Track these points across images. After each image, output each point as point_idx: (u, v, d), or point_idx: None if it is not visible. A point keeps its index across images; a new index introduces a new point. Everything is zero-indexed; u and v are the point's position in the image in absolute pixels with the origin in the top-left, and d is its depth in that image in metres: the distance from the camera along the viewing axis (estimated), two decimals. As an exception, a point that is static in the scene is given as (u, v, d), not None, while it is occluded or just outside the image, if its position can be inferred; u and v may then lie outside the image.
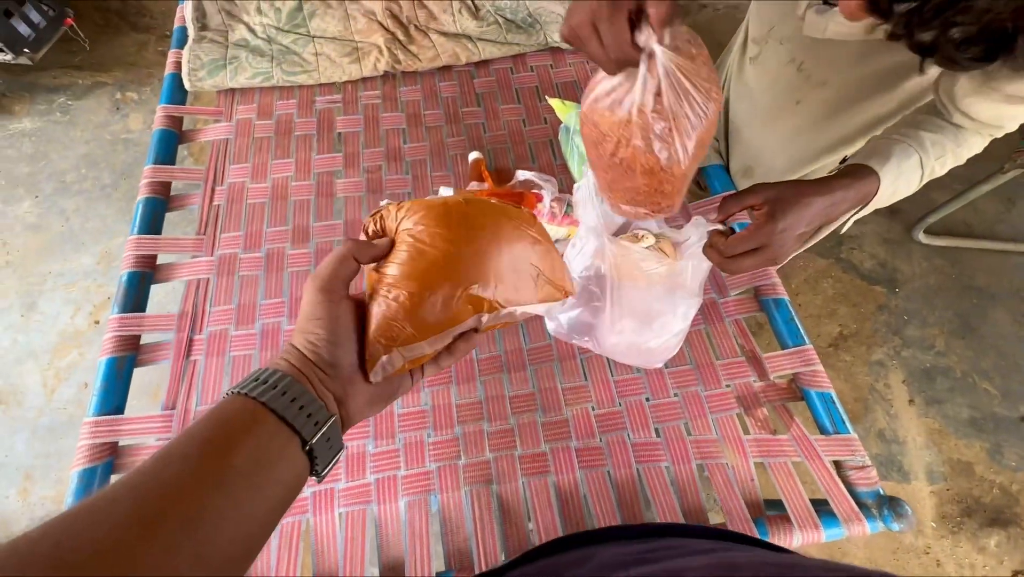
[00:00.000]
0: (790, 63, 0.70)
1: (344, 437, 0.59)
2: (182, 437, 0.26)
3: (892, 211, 1.35)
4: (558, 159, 0.79)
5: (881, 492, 0.57)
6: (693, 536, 0.44)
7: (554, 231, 0.68)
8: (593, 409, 0.62)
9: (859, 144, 0.72)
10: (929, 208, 1.26)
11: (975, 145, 0.54)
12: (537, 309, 0.37)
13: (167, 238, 0.71)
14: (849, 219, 0.57)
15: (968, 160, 0.56)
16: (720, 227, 0.53)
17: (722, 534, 0.46)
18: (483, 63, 0.89)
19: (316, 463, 0.29)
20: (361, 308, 0.33)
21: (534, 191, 0.68)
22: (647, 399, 0.63)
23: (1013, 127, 0.51)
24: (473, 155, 0.75)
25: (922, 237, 1.30)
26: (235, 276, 0.69)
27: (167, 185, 0.76)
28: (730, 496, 0.57)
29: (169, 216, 0.76)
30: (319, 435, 0.29)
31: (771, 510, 0.57)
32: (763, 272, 0.70)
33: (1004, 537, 1.05)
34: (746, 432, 0.61)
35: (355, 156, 0.80)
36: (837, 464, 0.59)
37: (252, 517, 0.25)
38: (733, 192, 0.52)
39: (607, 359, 0.65)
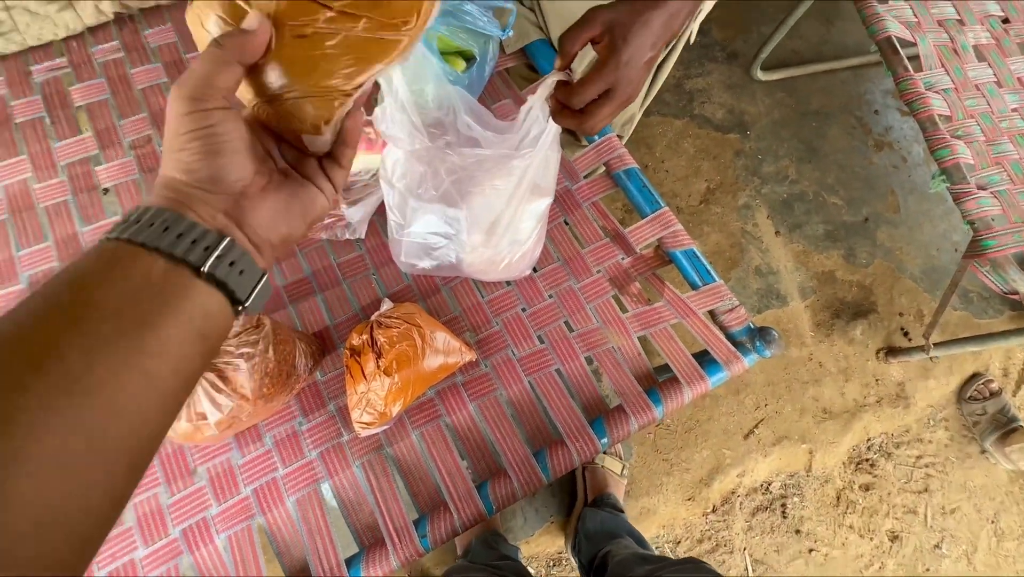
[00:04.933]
0: None
1: (204, 456, 0.51)
2: (15, 307, 0.20)
3: (730, 56, 1.38)
4: (366, 76, 0.68)
5: (752, 326, 0.60)
6: None
7: (377, 160, 0.59)
8: (471, 337, 0.58)
9: None
10: (760, 44, 1.29)
11: None
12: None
13: None
14: (693, 28, 0.52)
15: None
16: (562, 75, 0.45)
17: None
18: (244, -22, 0.72)
19: (232, 292, 0.24)
20: (247, 123, 0.27)
21: (338, 119, 0.57)
22: (523, 309, 0.60)
23: None
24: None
25: (760, 75, 1.35)
26: (-6, 321, 0.54)
27: None
28: (621, 377, 0.57)
29: None
30: (213, 258, 0.23)
31: (661, 376, 0.59)
32: (608, 146, 0.66)
33: (866, 325, 1.22)
34: (624, 311, 0.60)
35: (111, 132, 0.63)
36: (712, 313, 0.61)
37: (146, 367, 0.20)
38: (566, 29, 0.44)
39: (473, 283, 0.60)
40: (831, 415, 1.16)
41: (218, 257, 0.23)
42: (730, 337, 0.59)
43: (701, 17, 0.51)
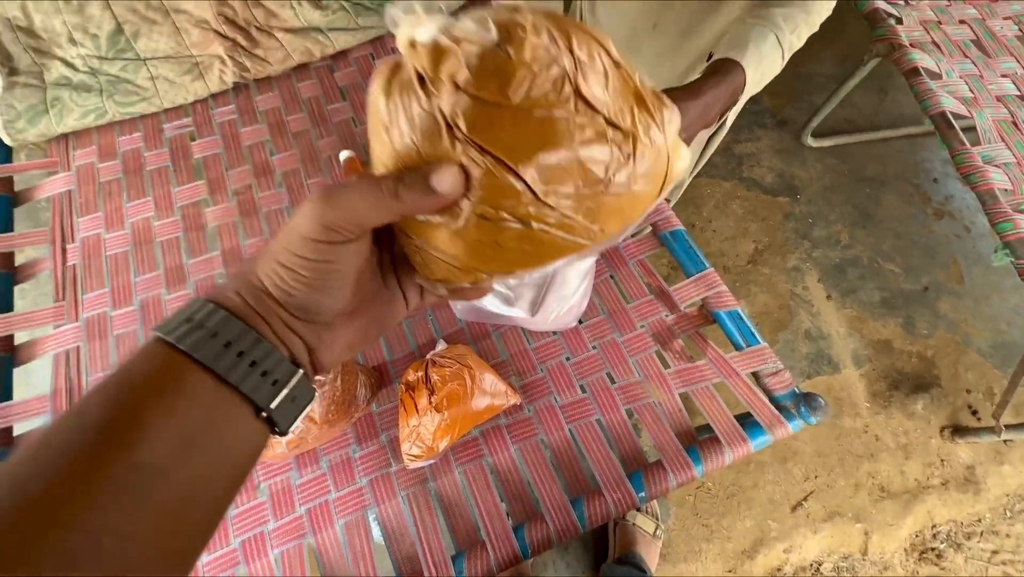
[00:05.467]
0: None
1: (268, 473, 0.56)
2: (58, 422, 0.18)
3: (780, 123, 1.41)
4: (436, 139, 0.76)
5: (796, 391, 0.60)
6: None
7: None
8: (516, 381, 0.61)
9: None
10: (812, 113, 1.32)
11: (824, 7, 0.55)
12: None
13: (19, 314, 0.64)
14: (729, 118, 0.58)
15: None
16: None
17: None
18: (340, 54, 0.84)
19: (277, 426, 0.22)
20: (383, 243, 0.25)
21: (411, 177, 0.65)
22: (567, 358, 0.63)
23: None
24: (344, 154, 0.71)
25: (811, 141, 1.37)
26: (108, 338, 0.63)
27: (7, 256, 0.68)
28: (661, 432, 0.58)
29: (23, 291, 0.68)
30: (281, 397, 0.21)
31: (702, 435, 0.59)
32: (655, 209, 0.70)
33: (928, 399, 1.15)
34: (667, 366, 0.62)
35: (220, 180, 0.74)
36: (755, 375, 0.62)
37: (176, 526, 0.19)
38: None
39: (521, 330, 0.64)
40: (889, 494, 1.08)
41: (286, 395, 0.21)
42: (774, 401, 0.60)
43: (738, 109, 0.55)
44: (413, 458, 0.54)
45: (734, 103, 0.54)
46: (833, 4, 0.56)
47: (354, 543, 0.53)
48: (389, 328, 0.26)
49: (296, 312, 0.22)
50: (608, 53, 0.20)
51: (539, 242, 0.21)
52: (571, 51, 0.18)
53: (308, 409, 0.23)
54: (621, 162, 0.20)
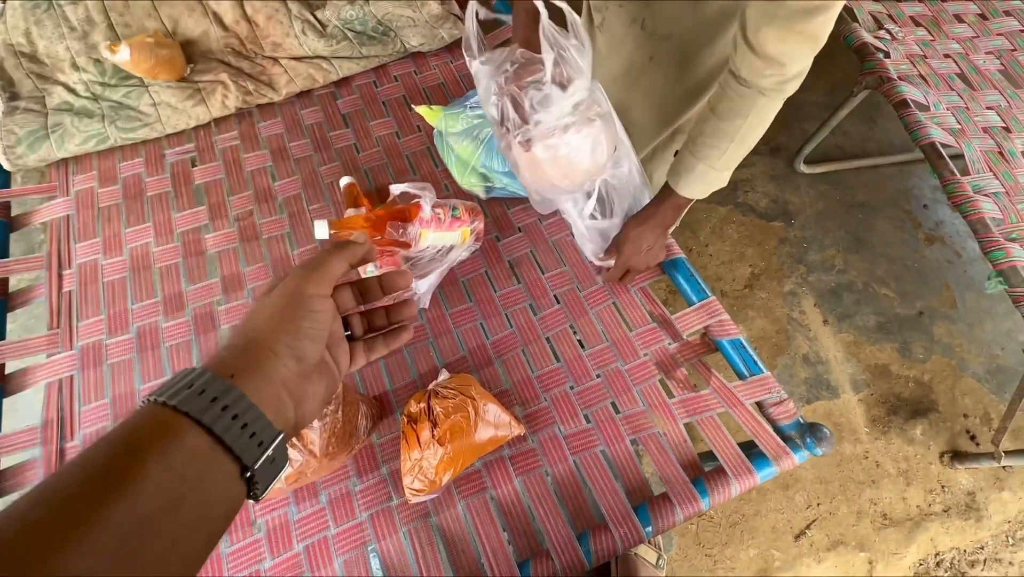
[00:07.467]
0: (633, 23, 0.72)
1: (264, 508, 0.54)
2: (61, 471, 0.19)
3: (773, 150, 1.44)
4: (439, 165, 0.77)
5: (801, 421, 0.60)
6: None
7: (444, 237, 0.66)
8: (520, 411, 0.60)
9: (712, 88, 0.74)
10: (804, 140, 1.35)
11: (765, 113, 0.56)
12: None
13: (12, 343, 0.62)
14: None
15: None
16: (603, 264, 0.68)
17: None
18: (343, 81, 0.85)
19: (255, 488, 0.23)
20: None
21: (414, 202, 0.65)
22: (571, 387, 0.62)
23: (795, 68, 0.52)
24: (344, 180, 0.71)
25: (804, 168, 1.39)
26: (103, 366, 0.62)
27: (2, 282, 0.67)
28: (667, 464, 0.57)
29: (14, 316, 0.66)
30: (263, 458, 0.23)
31: (708, 464, 0.58)
32: (656, 237, 0.71)
33: (927, 424, 1.15)
34: (671, 396, 0.62)
35: (221, 206, 0.73)
36: (759, 405, 0.61)
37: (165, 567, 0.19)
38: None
39: (524, 356, 0.64)
40: (892, 522, 1.07)
41: (267, 456, 0.23)
42: (778, 431, 0.59)
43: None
44: (415, 492, 0.52)
45: (682, 211, 0.67)
46: (777, 105, 0.57)
47: (353, 582, 0.51)
48: (336, 388, 0.31)
49: (292, 362, 0.26)
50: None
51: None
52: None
53: (283, 474, 0.26)
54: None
